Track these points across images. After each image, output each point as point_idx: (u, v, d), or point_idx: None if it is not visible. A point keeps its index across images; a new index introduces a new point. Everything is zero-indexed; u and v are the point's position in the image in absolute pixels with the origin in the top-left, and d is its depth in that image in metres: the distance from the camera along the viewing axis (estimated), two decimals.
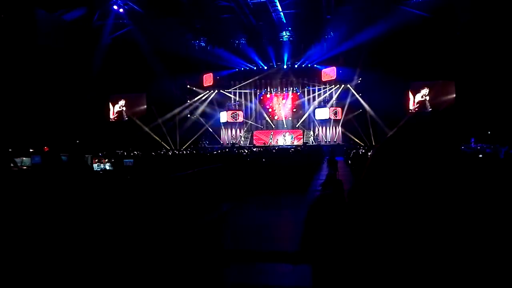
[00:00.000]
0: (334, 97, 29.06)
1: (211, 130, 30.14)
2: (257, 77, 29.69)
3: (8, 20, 16.01)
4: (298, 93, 30.25)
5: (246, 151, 17.33)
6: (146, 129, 26.84)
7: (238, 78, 30.08)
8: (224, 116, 30.65)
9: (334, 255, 0.69)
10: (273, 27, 25.08)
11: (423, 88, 25.05)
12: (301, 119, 30.04)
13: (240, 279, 4.84)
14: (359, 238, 0.67)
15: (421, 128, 0.71)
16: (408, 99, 25.77)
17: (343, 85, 28.26)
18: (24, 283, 3.46)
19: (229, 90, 30.53)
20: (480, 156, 10.12)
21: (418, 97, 25.16)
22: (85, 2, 20.10)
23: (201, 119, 29.82)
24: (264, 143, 28.53)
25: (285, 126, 30.21)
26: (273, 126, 30.52)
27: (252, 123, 30.88)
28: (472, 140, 18.12)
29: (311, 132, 29.56)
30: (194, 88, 29.78)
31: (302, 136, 29.06)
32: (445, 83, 24.73)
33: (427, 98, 24.91)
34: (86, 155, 9.31)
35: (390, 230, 0.65)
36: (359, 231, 0.68)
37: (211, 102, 30.11)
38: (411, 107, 25.40)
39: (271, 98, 30.76)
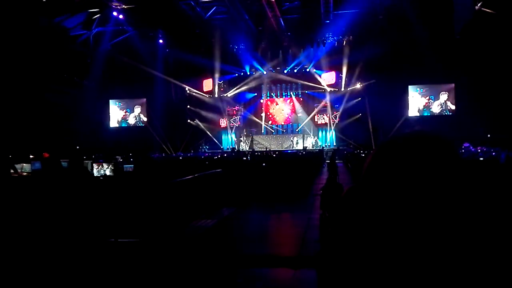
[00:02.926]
0: (333, 101, 29.10)
1: (210, 135, 30.13)
2: (257, 82, 29.73)
3: (10, 26, 16.07)
4: (299, 98, 30.29)
5: (248, 157, 17.31)
6: (152, 131, 26.91)
7: (238, 83, 30.11)
8: (223, 121, 30.68)
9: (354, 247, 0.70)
10: (273, 32, 25.17)
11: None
12: (301, 123, 30.07)
13: (241, 284, 4.82)
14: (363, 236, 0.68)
15: (422, 131, 0.72)
16: (407, 103, 25.88)
17: (342, 89, 28.29)
18: (24, 284, 3.46)
19: (229, 95, 30.56)
20: (481, 158, 10.05)
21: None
22: (85, 9, 20.14)
23: (201, 124, 29.84)
24: (265, 148, 28.51)
25: (284, 130, 30.28)
26: (273, 131, 30.53)
27: (253, 127, 30.89)
28: (467, 145, 18.11)
29: (311, 137, 29.57)
30: (194, 93, 29.82)
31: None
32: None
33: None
34: (86, 161, 9.32)
35: (389, 230, 0.66)
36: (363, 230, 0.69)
37: (211, 107, 30.14)
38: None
39: (271, 103, 30.79)
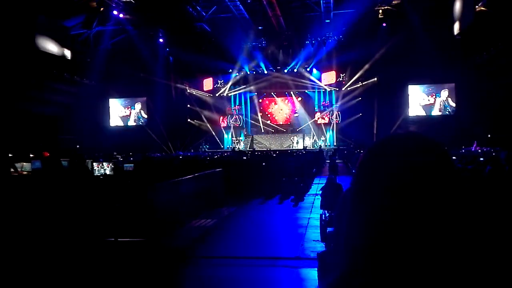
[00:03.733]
0: (334, 100, 29.12)
1: (211, 134, 30.16)
2: (257, 81, 29.73)
3: (8, 26, 16.05)
4: (298, 97, 30.28)
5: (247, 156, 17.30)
6: (150, 132, 26.92)
7: (238, 82, 30.10)
8: (224, 120, 30.69)
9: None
10: (273, 32, 25.15)
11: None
12: (301, 123, 30.08)
13: (239, 285, 4.82)
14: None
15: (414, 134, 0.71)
16: (408, 102, 25.87)
17: (343, 89, 28.29)
18: (24, 284, 3.46)
19: (229, 94, 30.56)
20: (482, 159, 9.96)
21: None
22: (85, 8, 20.10)
23: (202, 123, 29.86)
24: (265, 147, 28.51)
25: (284, 130, 30.30)
26: (273, 130, 30.56)
27: (253, 127, 30.89)
28: (475, 144, 18.08)
29: (311, 136, 29.57)
30: (194, 93, 29.82)
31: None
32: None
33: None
34: (87, 160, 9.32)
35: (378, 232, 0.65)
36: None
37: (211, 107, 30.14)
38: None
39: (271, 102, 30.80)
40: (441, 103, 25.45)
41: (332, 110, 29.06)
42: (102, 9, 19.97)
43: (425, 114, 25.66)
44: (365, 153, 0.72)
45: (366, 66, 25.84)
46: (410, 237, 0.61)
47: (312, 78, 28.92)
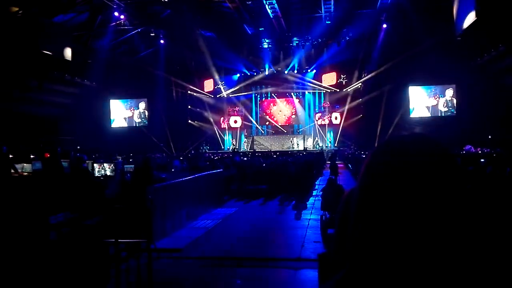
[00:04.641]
0: (334, 102, 29.13)
1: (211, 135, 30.15)
2: (258, 82, 29.73)
3: (11, 27, 16.05)
4: (299, 98, 30.28)
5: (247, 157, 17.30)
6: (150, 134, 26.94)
7: (239, 83, 30.10)
8: (224, 121, 30.69)
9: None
10: (274, 33, 25.15)
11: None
12: (301, 124, 30.09)
13: (241, 285, 4.81)
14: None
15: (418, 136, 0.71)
16: (409, 104, 25.83)
17: (344, 90, 28.28)
18: (23, 283, 3.46)
19: (230, 95, 30.56)
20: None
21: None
22: (86, 9, 20.11)
23: (202, 124, 29.86)
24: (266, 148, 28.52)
25: (285, 131, 30.30)
26: (273, 132, 30.55)
27: (253, 128, 30.90)
28: (468, 147, 18.07)
29: (312, 137, 29.56)
30: (194, 94, 29.83)
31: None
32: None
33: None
34: (87, 161, 9.33)
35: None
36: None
37: (212, 107, 30.15)
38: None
39: (272, 103, 30.80)
40: (444, 104, 25.34)
41: (333, 112, 29.05)
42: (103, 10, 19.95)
43: (428, 115, 25.57)
44: (371, 155, 0.71)
45: (367, 67, 25.83)
46: (416, 240, 0.60)
47: (313, 79, 28.93)
